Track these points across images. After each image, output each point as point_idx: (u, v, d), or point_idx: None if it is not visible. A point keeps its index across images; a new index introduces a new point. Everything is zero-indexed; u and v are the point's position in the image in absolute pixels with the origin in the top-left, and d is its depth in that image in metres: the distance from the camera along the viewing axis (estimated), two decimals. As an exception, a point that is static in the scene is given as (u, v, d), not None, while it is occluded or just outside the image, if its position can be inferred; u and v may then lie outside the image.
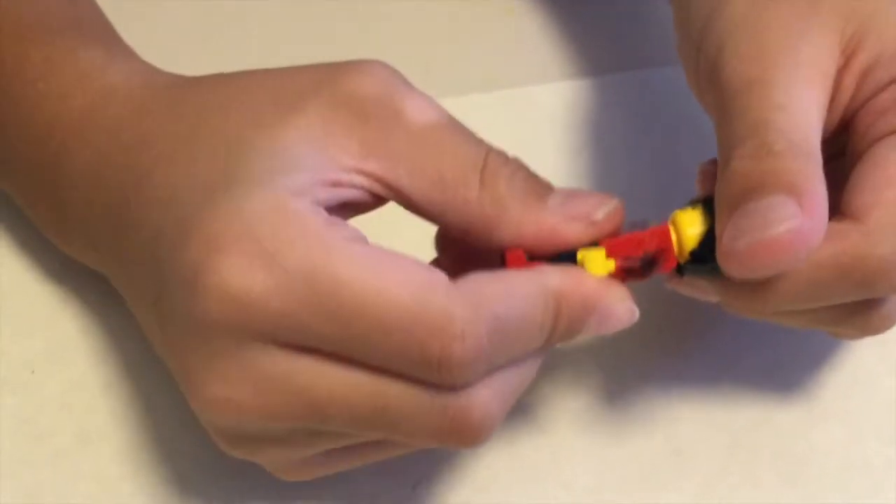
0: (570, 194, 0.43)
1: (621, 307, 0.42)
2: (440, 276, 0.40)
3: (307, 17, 0.58)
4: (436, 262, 0.45)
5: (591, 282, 0.42)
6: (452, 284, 0.40)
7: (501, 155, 0.43)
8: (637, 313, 0.42)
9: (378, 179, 0.42)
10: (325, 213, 0.40)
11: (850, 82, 0.44)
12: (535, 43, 0.58)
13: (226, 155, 0.42)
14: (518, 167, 0.43)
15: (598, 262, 0.42)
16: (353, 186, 0.42)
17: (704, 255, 0.42)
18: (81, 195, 0.45)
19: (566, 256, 0.42)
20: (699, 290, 0.44)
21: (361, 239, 0.41)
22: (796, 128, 0.41)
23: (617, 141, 0.55)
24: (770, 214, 0.40)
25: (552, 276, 0.41)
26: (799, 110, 0.42)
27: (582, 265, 0.42)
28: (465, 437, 0.40)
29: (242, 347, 0.39)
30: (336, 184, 0.41)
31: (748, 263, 0.40)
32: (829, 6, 0.43)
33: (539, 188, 0.42)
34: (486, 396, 0.40)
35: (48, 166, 0.46)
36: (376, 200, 0.43)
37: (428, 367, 0.39)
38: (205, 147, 0.42)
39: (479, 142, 0.43)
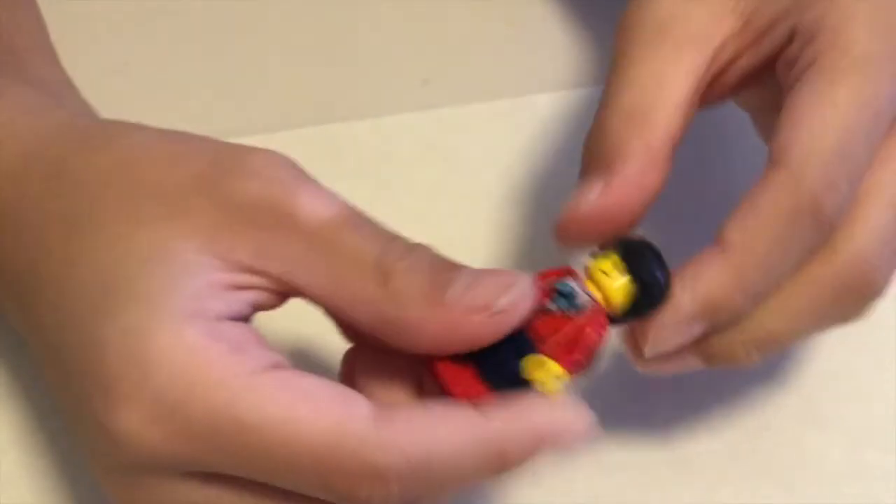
0: (474, 279, 0.39)
1: (578, 426, 0.39)
2: (359, 411, 0.38)
3: (306, 26, 0.58)
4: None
5: (538, 413, 0.39)
6: (373, 420, 0.38)
7: (401, 246, 0.40)
8: (594, 426, 0.39)
9: (275, 280, 0.40)
10: (226, 339, 0.38)
11: (751, 41, 0.44)
12: (536, 52, 0.58)
13: (108, 259, 0.40)
14: (419, 257, 0.40)
15: (545, 373, 0.40)
16: (252, 287, 0.40)
17: (639, 307, 0.41)
18: None
19: (507, 353, 0.39)
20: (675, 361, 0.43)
21: (271, 366, 0.39)
22: (638, 104, 0.43)
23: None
24: (577, 194, 0.42)
25: (494, 418, 0.38)
26: (649, 84, 0.43)
27: (527, 374, 0.39)
28: None
29: (154, 478, 0.39)
30: (233, 286, 0.39)
31: (561, 235, 0.42)
32: None
33: (441, 278, 0.39)
34: None
35: None
36: (280, 297, 0.41)
37: (346, 498, 0.38)
38: (86, 243, 0.40)
39: (378, 235, 0.40)
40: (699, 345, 0.43)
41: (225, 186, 0.40)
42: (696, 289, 0.41)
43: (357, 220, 0.40)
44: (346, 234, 0.40)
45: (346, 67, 0.57)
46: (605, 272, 0.41)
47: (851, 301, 0.43)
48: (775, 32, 0.44)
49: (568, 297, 0.41)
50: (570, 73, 0.58)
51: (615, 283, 0.41)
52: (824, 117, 0.41)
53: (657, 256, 0.42)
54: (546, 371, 0.40)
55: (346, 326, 0.41)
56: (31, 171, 0.42)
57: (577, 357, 0.40)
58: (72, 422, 0.41)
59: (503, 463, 0.38)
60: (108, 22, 0.52)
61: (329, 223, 0.40)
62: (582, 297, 0.41)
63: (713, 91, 0.45)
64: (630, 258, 0.41)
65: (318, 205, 0.40)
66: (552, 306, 0.41)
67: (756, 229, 0.41)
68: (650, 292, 0.41)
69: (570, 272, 0.41)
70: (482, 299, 0.39)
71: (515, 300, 0.39)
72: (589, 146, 0.44)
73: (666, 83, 0.43)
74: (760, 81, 0.45)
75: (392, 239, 0.40)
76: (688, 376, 0.49)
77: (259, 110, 0.56)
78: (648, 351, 0.42)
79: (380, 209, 0.52)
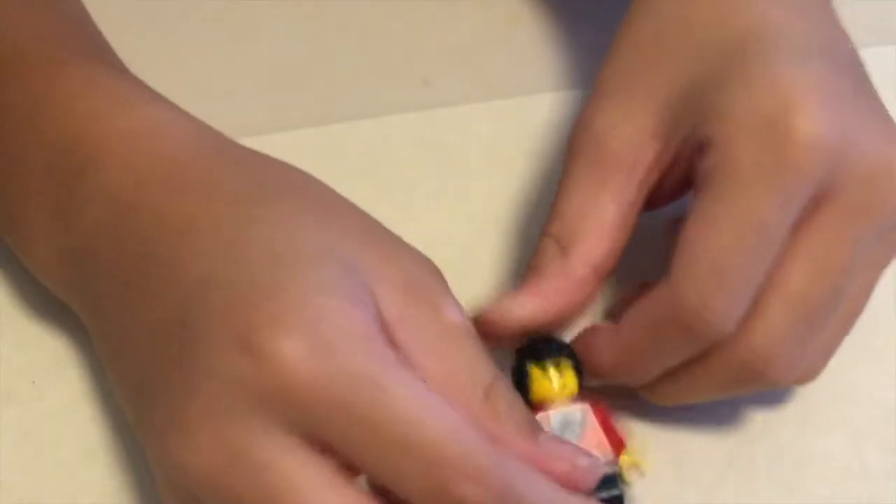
0: (559, 439, 0.44)
1: None
2: (474, 426, 0.41)
3: (306, 27, 0.58)
4: None
5: None
6: (485, 437, 0.41)
7: (509, 386, 0.44)
8: None
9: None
10: (384, 332, 0.42)
11: (672, 159, 0.47)
12: (537, 52, 0.58)
13: (290, 237, 0.43)
14: (520, 402, 0.44)
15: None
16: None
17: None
18: (92, 215, 0.45)
19: None
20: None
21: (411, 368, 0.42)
22: (563, 234, 0.47)
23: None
24: (503, 298, 0.48)
25: (576, 500, 0.43)
26: (574, 216, 0.47)
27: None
28: None
29: (252, 418, 0.40)
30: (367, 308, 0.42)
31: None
32: (648, 91, 0.47)
33: (533, 423, 0.44)
34: None
35: (64, 173, 0.46)
36: None
37: (430, 493, 0.40)
38: (268, 217, 0.43)
39: (493, 365, 0.44)
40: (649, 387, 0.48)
41: (396, 253, 0.44)
42: (592, 355, 0.47)
43: (480, 343, 0.44)
44: (473, 346, 0.44)
45: (347, 67, 0.57)
46: (553, 383, 0.47)
47: (753, 386, 0.46)
48: (687, 150, 0.46)
49: (568, 426, 0.46)
50: (571, 74, 0.58)
51: (564, 381, 0.47)
52: (703, 237, 0.44)
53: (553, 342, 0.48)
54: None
55: None
56: (208, 158, 0.46)
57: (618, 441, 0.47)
58: (175, 352, 0.42)
59: None
60: (108, 25, 0.52)
61: (462, 330, 0.44)
62: (573, 418, 0.47)
63: (655, 200, 0.48)
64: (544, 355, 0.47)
65: (457, 310, 0.44)
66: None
67: (641, 328, 0.46)
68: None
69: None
70: (568, 454, 0.43)
71: (593, 465, 0.43)
72: (530, 259, 0.48)
73: (591, 215, 0.47)
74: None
75: (501, 374, 0.44)
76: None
77: (260, 111, 0.56)
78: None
79: (380, 209, 0.52)
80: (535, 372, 0.47)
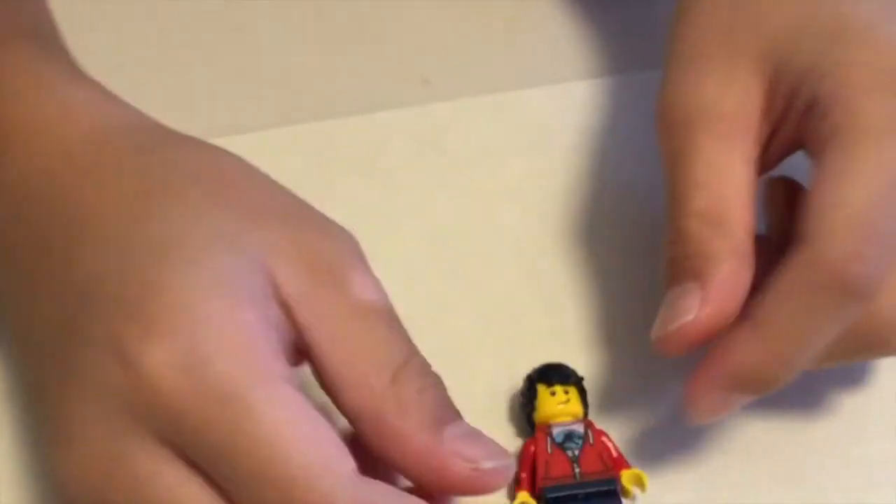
0: (471, 433, 0.41)
1: None
2: (347, 464, 0.39)
3: (303, 23, 0.58)
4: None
5: None
6: (354, 477, 0.39)
7: (424, 367, 0.42)
8: None
9: (301, 331, 0.41)
10: (274, 337, 0.40)
11: (779, 116, 0.45)
12: (535, 46, 0.58)
13: (181, 222, 0.41)
14: (433, 386, 0.41)
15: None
16: (278, 329, 0.41)
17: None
18: (4, 199, 0.44)
19: None
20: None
21: (295, 385, 0.40)
22: (713, 206, 0.44)
23: (619, 142, 0.55)
24: (676, 305, 0.44)
25: None
26: (717, 184, 0.44)
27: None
28: None
29: (127, 428, 0.39)
30: (272, 316, 0.41)
31: (662, 348, 0.44)
32: (746, 49, 0.45)
33: (443, 414, 0.41)
34: None
35: None
36: (294, 356, 0.42)
37: None
38: (162, 202, 0.42)
39: (409, 344, 0.42)
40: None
41: (302, 228, 0.42)
42: (729, 365, 0.43)
43: (397, 321, 0.42)
44: (384, 325, 0.41)
45: (344, 64, 0.57)
46: (557, 401, 0.47)
47: (878, 354, 0.45)
48: (795, 104, 0.45)
49: (570, 437, 0.46)
50: (569, 67, 0.57)
51: (570, 403, 0.47)
52: (843, 192, 0.42)
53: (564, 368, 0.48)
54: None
55: (339, 405, 0.42)
56: (120, 142, 0.44)
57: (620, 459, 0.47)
58: (58, 359, 0.41)
59: None
60: (103, 21, 0.52)
61: (373, 308, 0.41)
62: (575, 431, 0.47)
63: (762, 166, 0.46)
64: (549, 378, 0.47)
65: (370, 287, 0.42)
66: (568, 452, 0.46)
67: (784, 306, 0.42)
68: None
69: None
70: (472, 452, 0.40)
71: (500, 468, 0.41)
72: (672, 254, 0.45)
73: (731, 179, 0.45)
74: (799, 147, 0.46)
75: (417, 353, 0.42)
76: (689, 367, 0.48)
77: (257, 108, 0.56)
78: (695, 422, 0.45)
79: (377, 205, 0.52)
80: (542, 390, 0.47)
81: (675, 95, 0.47)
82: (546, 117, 0.56)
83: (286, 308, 0.41)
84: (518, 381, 0.48)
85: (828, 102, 0.43)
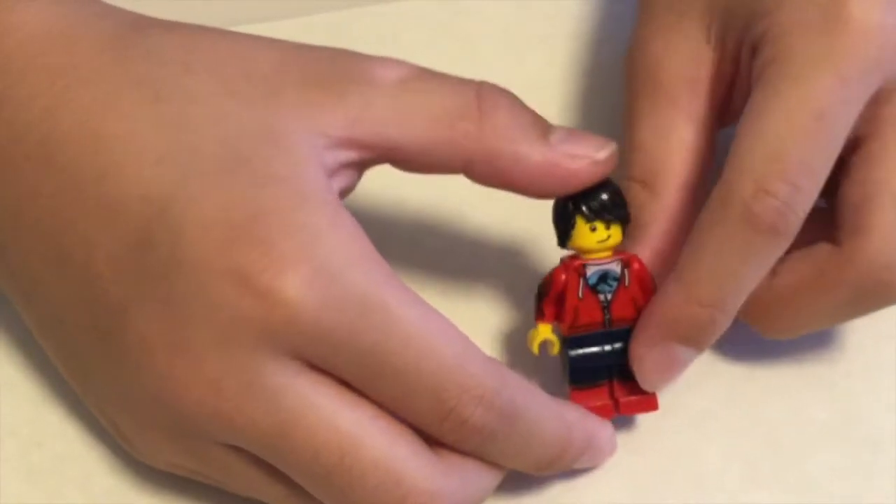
0: (571, 133, 0.43)
1: (611, 443, 0.45)
2: (477, 348, 0.41)
3: None
4: None
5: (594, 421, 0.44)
6: (492, 360, 0.41)
7: (495, 87, 0.43)
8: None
9: (367, 146, 0.41)
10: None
11: (731, 67, 0.46)
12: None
13: (221, 133, 0.40)
14: (515, 100, 0.43)
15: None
16: (348, 164, 0.42)
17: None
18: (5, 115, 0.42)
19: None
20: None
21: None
22: (648, 170, 0.46)
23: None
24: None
25: (570, 409, 0.44)
26: (654, 148, 0.46)
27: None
28: None
29: (257, 348, 0.39)
30: (338, 165, 0.41)
31: None
32: (692, 5, 0.46)
33: (541, 122, 0.43)
34: (454, 490, 0.41)
35: None
36: (362, 170, 0.43)
37: (437, 416, 0.40)
38: (188, 111, 0.40)
39: (466, 80, 0.43)
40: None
41: (304, 67, 0.42)
42: (660, 317, 0.44)
43: (437, 73, 0.43)
44: (432, 81, 0.42)
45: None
46: (597, 238, 0.44)
47: (873, 303, 0.44)
48: (743, 53, 0.45)
49: (604, 279, 0.44)
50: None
51: (608, 236, 0.44)
52: (761, 127, 0.42)
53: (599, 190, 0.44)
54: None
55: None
56: (92, 39, 0.42)
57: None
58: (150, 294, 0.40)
59: (565, 447, 0.43)
60: None
61: (407, 77, 0.42)
62: (610, 271, 0.44)
63: (728, 117, 0.47)
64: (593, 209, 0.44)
65: (389, 65, 0.42)
66: (600, 295, 0.44)
67: (698, 245, 0.43)
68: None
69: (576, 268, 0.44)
70: (585, 149, 0.43)
71: (612, 154, 0.43)
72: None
73: (670, 141, 0.46)
74: None
75: (483, 81, 0.43)
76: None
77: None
78: (649, 388, 0.45)
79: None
80: (580, 223, 0.43)
81: (634, 51, 0.48)
82: (569, 6, 0.55)
83: (347, 145, 0.41)
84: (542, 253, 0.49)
85: (761, 42, 0.43)
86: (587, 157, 0.42)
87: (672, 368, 0.44)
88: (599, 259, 0.44)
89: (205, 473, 0.42)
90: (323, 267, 0.38)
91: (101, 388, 0.42)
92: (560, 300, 0.44)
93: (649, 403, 0.45)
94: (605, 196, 0.43)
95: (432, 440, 0.41)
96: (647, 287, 0.44)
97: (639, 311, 0.44)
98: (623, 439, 0.46)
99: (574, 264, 0.44)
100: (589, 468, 0.45)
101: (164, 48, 0.42)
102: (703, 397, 0.47)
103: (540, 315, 0.44)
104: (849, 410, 0.47)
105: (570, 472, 0.45)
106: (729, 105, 0.47)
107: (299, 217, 0.39)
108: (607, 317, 0.44)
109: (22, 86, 0.42)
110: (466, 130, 0.41)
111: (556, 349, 0.44)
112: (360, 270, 0.39)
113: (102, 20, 0.43)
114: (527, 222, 0.50)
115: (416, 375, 0.39)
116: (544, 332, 0.44)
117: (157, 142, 0.40)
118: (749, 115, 0.43)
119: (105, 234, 0.40)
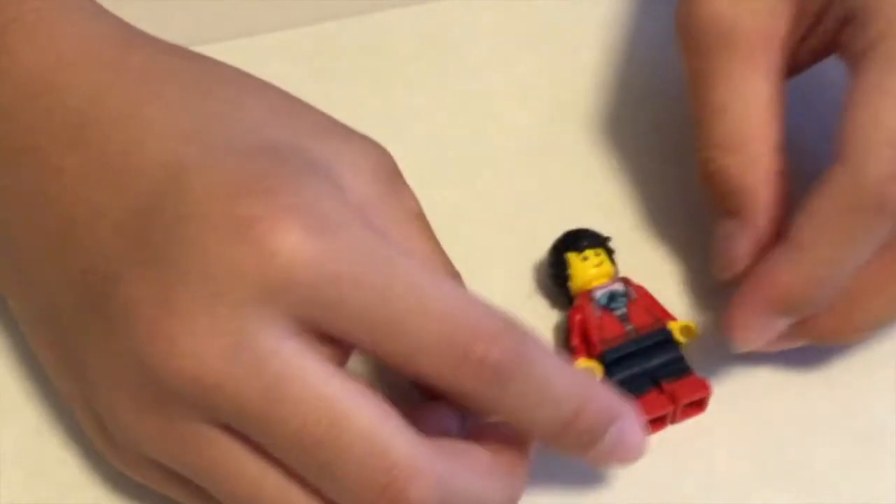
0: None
1: (639, 435, 0.43)
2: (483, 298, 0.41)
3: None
4: None
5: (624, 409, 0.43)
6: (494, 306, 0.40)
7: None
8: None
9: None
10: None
11: (810, 25, 0.45)
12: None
13: (252, 135, 0.41)
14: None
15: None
16: None
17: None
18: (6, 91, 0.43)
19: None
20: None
21: None
22: (734, 133, 0.45)
23: (640, 36, 0.54)
24: (727, 248, 0.46)
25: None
26: (737, 109, 0.45)
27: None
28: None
29: (253, 306, 0.38)
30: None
31: (723, 278, 0.46)
32: None
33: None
34: (441, 473, 0.40)
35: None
36: None
37: (451, 363, 0.39)
38: (226, 122, 0.42)
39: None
40: (807, 325, 0.45)
41: (349, 140, 0.43)
42: (769, 288, 0.44)
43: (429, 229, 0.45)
44: (431, 232, 0.44)
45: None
46: (592, 264, 0.47)
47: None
48: (829, 15, 0.45)
49: (613, 298, 0.47)
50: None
51: (601, 264, 0.47)
52: (881, 108, 0.42)
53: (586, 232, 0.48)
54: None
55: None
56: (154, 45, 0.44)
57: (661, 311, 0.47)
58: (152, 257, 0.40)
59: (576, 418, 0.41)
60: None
61: (421, 215, 0.44)
62: (617, 290, 0.47)
63: (793, 67, 0.46)
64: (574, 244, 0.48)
65: (414, 199, 0.44)
66: (615, 312, 0.47)
67: (821, 227, 0.43)
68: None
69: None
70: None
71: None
72: (709, 189, 0.46)
73: (752, 100, 0.45)
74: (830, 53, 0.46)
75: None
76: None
77: (248, 12, 0.54)
78: (739, 348, 0.45)
79: (380, 107, 0.51)
80: (573, 258, 0.47)
81: (693, 11, 0.46)
82: (553, 14, 0.55)
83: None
84: (538, 256, 0.48)
85: (867, 14, 0.43)
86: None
87: (767, 335, 0.45)
88: (601, 284, 0.47)
89: (190, 470, 0.41)
90: (326, 218, 0.39)
91: (93, 370, 0.42)
92: (583, 332, 0.46)
93: (700, 386, 0.46)
94: (579, 233, 0.47)
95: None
96: (650, 296, 0.47)
97: (655, 317, 0.46)
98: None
99: (582, 298, 0.47)
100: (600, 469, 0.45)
101: (221, 67, 0.43)
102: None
103: (573, 354, 0.46)
104: (851, 404, 0.47)
105: (580, 473, 0.45)
106: (797, 55, 0.46)
107: (306, 179, 0.39)
108: (629, 327, 0.46)
109: (69, 73, 0.42)
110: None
111: (598, 374, 0.46)
112: (359, 225, 0.39)
113: (150, 36, 0.44)
114: (527, 222, 0.50)
115: (424, 321, 0.39)
116: (584, 363, 0.46)
117: (191, 125, 0.41)
118: (867, 92, 0.42)
119: (116, 201, 0.41)
